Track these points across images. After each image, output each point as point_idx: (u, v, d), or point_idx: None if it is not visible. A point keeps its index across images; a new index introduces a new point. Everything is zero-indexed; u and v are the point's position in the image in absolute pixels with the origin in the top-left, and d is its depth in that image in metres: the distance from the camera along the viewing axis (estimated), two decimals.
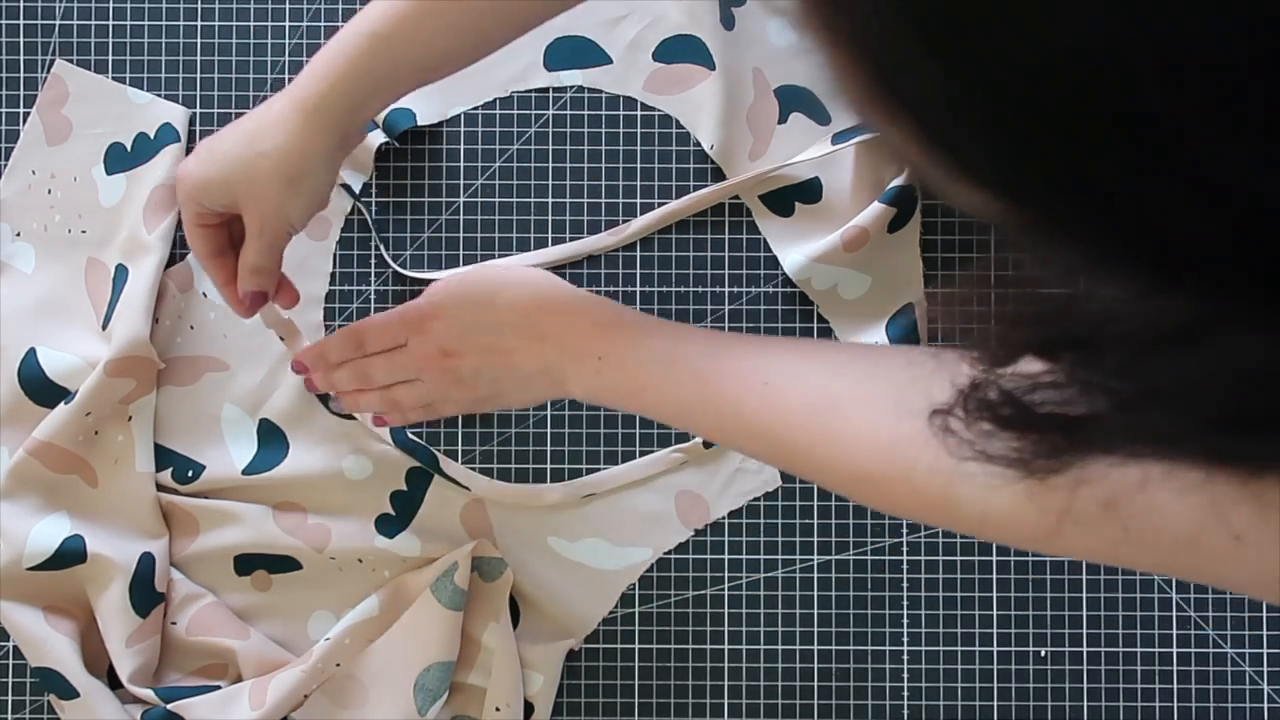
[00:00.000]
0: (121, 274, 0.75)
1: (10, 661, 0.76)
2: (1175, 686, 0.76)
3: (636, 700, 0.76)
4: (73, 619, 0.74)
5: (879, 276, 0.76)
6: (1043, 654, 0.76)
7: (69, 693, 0.72)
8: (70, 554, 0.72)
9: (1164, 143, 0.22)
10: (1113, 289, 0.29)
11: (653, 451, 0.76)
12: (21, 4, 0.77)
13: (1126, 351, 0.29)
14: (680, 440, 0.76)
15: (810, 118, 0.77)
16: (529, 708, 0.75)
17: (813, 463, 0.54)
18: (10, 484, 0.73)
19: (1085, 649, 0.76)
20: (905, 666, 0.76)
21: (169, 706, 0.72)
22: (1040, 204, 0.25)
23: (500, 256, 0.77)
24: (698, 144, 0.77)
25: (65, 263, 0.76)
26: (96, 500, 0.74)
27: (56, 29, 0.77)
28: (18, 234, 0.76)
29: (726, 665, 0.76)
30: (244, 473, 0.76)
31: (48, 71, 0.77)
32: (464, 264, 0.77)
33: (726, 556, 0.76)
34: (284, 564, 0.76)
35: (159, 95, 0.77)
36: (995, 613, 0.76)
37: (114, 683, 0.73)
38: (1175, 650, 0.76)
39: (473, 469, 0.77)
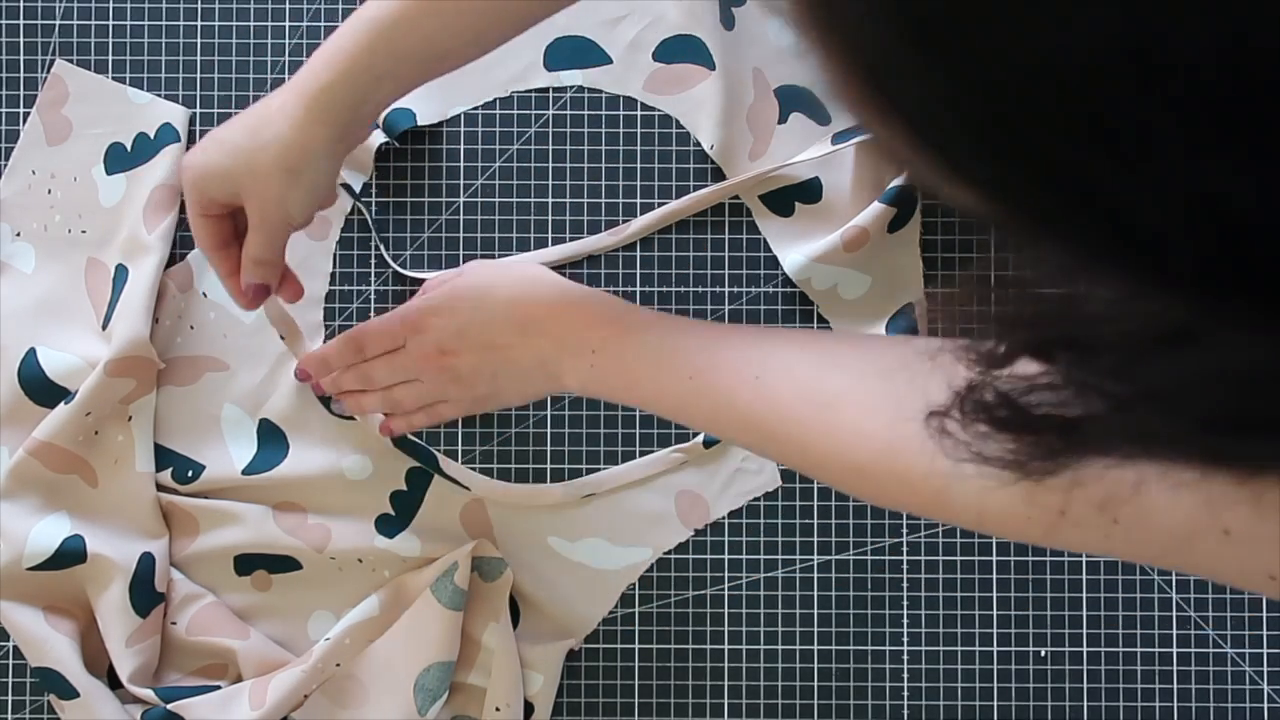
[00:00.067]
0: (121, 274, 0.75)
1: (10, 661, 0.76)
2: (1175, 686, 0.76)
3: (636, 700, 0.76)
4: (73, 619, 0.74)
5: (879, 276, 0.76)
6: (1043, 654, 0.76)
7: (69, 693, 0.72)
8: (70, 554, 0.72)
9: (1156, 146, 0.22)
10: (1106, 289, 0.29)
11: (653, 451, 0.76)
12: (21, 4, 0.77)
13: (1122, 353, 0.29)
14: (680, 440, 0.76)
15: (810, 118, 0.77)
16: (529, 708, 0.75)
17: (806, 456, 0.54)
18: (10, 484, 0.73)
19: (1085, 649, 0.76)
20: (905, 666, 0.76)
21: (169, 706, 0.72)
22: (1030, 204, 0.25)
23: (500, 256, 0.77)
24: (698, 144, 0.77)
25: (65, 263, 0.76)
26: (96, 500, 0.74)
27: (56, 29, 0.77)
28: (18, 234, 0.76)
29: (726, 665, 0.76)
30: (244, 473, 0.76)
31: (48, 71, 0.77)
32: (464, 264, 0.77)
33: (726, 556, 0.76)
34: (284, 564, 0.76)
35: (159, 95, 0.77)
36: (995, 613, 0.76)
37: (114, 683, 0.73)
38: (1175, 650, 0.76)
39: (473, 469, 0.77)
